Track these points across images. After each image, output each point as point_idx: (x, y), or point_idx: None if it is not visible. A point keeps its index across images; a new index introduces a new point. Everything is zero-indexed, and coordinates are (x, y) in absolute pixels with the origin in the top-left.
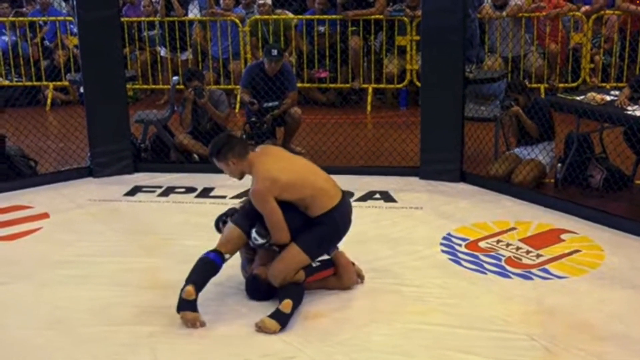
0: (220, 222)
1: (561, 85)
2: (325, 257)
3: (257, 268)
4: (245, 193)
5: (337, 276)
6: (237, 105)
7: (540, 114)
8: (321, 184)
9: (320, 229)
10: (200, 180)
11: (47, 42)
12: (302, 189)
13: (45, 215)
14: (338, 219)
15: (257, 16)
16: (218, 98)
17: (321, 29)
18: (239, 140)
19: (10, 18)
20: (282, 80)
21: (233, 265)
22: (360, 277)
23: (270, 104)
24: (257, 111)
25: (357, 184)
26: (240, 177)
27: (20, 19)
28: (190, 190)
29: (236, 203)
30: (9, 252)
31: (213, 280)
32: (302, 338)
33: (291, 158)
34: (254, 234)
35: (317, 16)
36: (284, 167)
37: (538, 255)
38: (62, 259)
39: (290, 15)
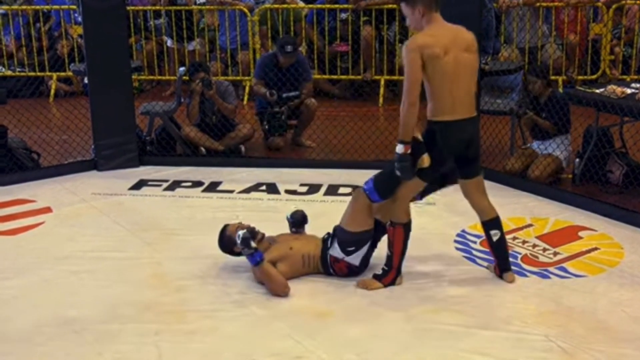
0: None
1: (580, 77)
2: None
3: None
4: (253, 188)
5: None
6: (245, 97)
7: (562, 109)
8: (454, 92)
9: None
10: (207, 174)
11: (51, 32)
12: (439, 75)
13: (47, 210)
14: (442, 135)
15: (267, 5)
16: (225, 89)
17: (343, 15)
18: None
19: (14, 6)
20: (300, 71)
21: (239, 265)
22: None
23: (291, 94)
24: (275, 102)
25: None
26: (418, 31)
27: (24, 7)
28: (197, 184)
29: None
30: (11, 247)
31: (219, 279)
32: (311, 337)
33: (463, 51)
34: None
35: (328, 5)
36: (450, 48)
37: (555, 253)
38: (65, 254)
39: (302, 4)
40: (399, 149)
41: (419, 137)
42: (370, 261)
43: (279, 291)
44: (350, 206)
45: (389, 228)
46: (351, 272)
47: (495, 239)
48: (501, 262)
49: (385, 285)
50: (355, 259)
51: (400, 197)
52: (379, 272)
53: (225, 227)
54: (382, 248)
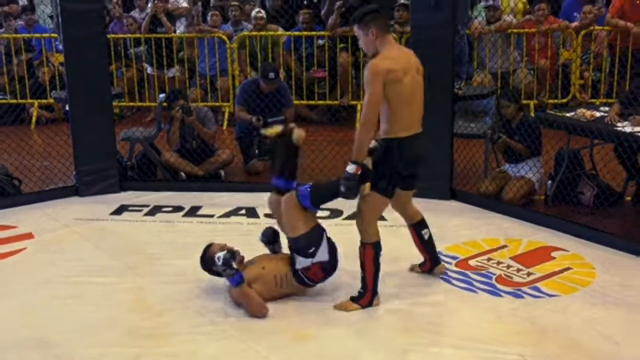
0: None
1: (551, 101)
2: None
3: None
4: (233, 212)
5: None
6: (225, 123)
7: (534, 132)
8: (410, 112)
9: (380, 164)
10: (187, 199)
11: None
12: (399, 96)
13: (29, 235)
14: (397, 151)
15: (246, 32)
16: (205, 115)
17: (320, 42)
18: (385, 17)
19: None
20: (279, 97)
21: (219, 288)
22: None
23: (275, 119)
24: (262, 127)
25: (346, 202)
26: (371, 53)
27: (6, 35)
28: (177, 209)
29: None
30: None
31: (199, 303)
32: (289, 358)
33: (415, 75)
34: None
35: (305, 32)
36: (407, 70)
37: (529, 274)
38: (46, 279)
39: (280, 31)
40: (351, 168)
41: (370, 164)
42: (339, 256)
43: (257, 312)
44: (285, 216)
45: (359, 249)
46: (326, 272)
47: (426, 237)
48: (432, 257)
49: (363, 307)
50: (322, 255)
51: (369, 217)
52: (356, 294)
53: (209, 245)
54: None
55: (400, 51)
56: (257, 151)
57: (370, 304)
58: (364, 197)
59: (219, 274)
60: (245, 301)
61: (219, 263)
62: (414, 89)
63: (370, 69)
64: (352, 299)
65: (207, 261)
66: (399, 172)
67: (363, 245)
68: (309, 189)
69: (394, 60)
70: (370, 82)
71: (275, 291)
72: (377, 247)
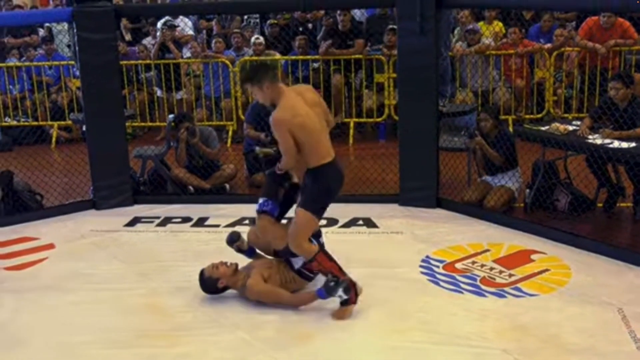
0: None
1: (527, 116)
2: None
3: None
4: (238, 222)
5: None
6: (229, 140)
7: (506, 144)
8: (324, 141)
9: (312, 187)
10: (195, 210)
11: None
12: (310, 135)
13: (51, 246)
14: (329, 174)
15: (247, 57)
16: (209, 135)
17: (315, 65)
18: (273, 68)
19: (18, 63)
20: None
21: (225, 293)
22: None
23: None
24: (269, 142)
25: (342, 211)
26: (269, 103)
27: (27, 64)
28: (186, 220)
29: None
30: (17, 280)
31: (208, 306)
32: (290, 356)
33: (311, 108)
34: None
35: (301, 57)
36: (306, 111)
37: (510, 275)
38: (67, 286)
39: (278, 55)
40: (280, 171)
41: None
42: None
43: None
44: (268, 236)
45: (312, 264)
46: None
47: None
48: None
49: (355, 302)
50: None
51: (302, 234)
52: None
53: (203, 271)
54: None
55: (293, 95)
56: (262, 163)
57: (357, 294)
58: (299, 216)
59: (220, 292)
60: (301, 302)
61: (342, 292)
62: (319, 123)
63: (274, 123)
64: (342, 303)
65: (208, 283)
66: (333, 192)
67: (312, 260)
68: (268, 200)
69: (292, 107)
70: (278, 135)
71: (284, 287)
72: (322, 251)
